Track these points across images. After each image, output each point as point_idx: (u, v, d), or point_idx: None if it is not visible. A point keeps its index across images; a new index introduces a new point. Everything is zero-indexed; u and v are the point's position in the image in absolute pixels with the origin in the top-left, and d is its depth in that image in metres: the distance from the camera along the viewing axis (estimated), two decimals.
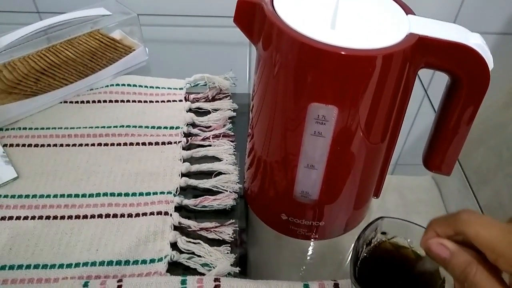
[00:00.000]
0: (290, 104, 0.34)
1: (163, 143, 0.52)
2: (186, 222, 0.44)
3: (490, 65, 0.32)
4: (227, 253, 0.42)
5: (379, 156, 0.39)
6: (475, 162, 0.72)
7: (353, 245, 0.34)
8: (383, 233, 0.36)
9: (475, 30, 0.32)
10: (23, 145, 0.51)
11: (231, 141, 0.53)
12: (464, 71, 0.33)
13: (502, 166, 0.68)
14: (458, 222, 0.26)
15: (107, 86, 0.59)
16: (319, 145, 0.35)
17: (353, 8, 0.34)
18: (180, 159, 0.51)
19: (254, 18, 0.34)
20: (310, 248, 0.47)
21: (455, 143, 0.37)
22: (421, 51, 0.32)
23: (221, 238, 0.43)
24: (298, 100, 0.33)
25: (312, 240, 0.44)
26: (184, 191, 0.48)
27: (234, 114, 0.57)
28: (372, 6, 0.35)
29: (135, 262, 0.41)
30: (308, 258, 0.47)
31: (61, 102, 0.57)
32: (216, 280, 0.39)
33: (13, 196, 0.46)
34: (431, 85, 0.79)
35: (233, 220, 0.45)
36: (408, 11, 0.34)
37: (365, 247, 0.35)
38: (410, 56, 0.32)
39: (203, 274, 0.40)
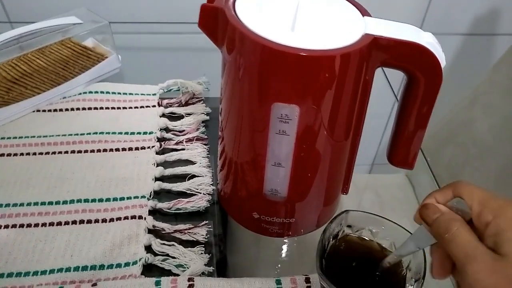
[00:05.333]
0: (255, 105, 0.35)
1: (137, 149, 0.53)
2: (160, 224, 0.45)
3: (442, 62, 0.34)
4: (201, 253, 0.43)
5: (343, 153, 0.40)
6: (445, 159, 0.75)
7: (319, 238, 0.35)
8: (349, 226, 0.37)
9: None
10: None
11: (205, 144, 0.54)
12: (418, 69, 0.34)
13: (470, 161, 0.70)
14: (458, 185, 0.31)
15: (80, 94, 0.59)
16: (284, 143, 0.36)
17: (312, 11, 0.35)
18: (154, 164, 0.51)
19: (218, 23, 0.35)
20: (285, 245, 0.47)
21: (415, 138, 0.39)
22: (377, 50, 0.33)
23: (195, 240, 0.44)
24: (262, 100, 0.34)
25: (285, 237, 0.45)
26: (158, 195, 0.49)
27: (208, 117, 0.58)
28: (330, 9, 0.36)
29: (110, 266, 0.41)
30: (284, 255, 0.47)
31: (33, 111, 0.57)
32: (190, 279, 0.39)
33: None
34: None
35: (207, 221, 0.45)
36: (364, 13, 0.36)
37: (331, 240, 0.36)
38: (366, 55, 0.33)
39: (178, 275, 0.41)
